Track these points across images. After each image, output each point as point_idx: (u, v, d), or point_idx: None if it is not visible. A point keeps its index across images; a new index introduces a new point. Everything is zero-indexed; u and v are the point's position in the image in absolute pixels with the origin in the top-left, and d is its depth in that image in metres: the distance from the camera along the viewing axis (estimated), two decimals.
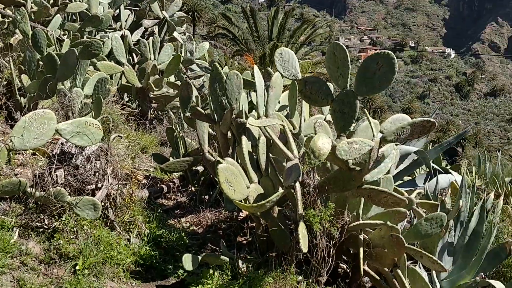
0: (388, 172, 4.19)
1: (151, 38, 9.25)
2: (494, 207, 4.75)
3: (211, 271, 3.77)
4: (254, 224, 4.51)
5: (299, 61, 5.63)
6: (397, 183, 5.86)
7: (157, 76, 8.83)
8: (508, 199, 6.74)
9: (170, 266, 4.18)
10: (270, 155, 4.18)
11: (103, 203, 4.35)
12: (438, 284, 4.28)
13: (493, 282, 3.75)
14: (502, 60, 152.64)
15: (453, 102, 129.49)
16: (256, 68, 4.76)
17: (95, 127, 4.01)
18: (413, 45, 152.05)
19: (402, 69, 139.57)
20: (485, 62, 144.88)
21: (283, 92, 5.26)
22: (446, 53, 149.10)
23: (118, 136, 5.38)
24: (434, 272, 4.25)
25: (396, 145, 5.86)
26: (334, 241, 3.70)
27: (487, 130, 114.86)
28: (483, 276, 3.83)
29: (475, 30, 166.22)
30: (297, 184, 3.61)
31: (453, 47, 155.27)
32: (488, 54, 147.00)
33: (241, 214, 5.05)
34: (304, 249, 3.35)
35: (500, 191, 7.12)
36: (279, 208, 4.13)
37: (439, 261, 3.49)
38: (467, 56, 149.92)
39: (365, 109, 4.11)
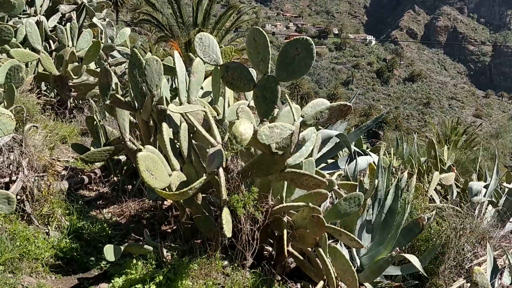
0: (310, 155, 4.30)
1: (68, 24, 8.84)
2: (408, 185, 5.01)
3: (134, 261, 3.71)
4: (178, 212, 4.48)
5: (221, 47, 5.61)
6: (321, 166, 6.04)
7: (76, 64, 8.46)
8: (422, 177, 7.13)
9: (93, 258, 4.07)
10: (194, 142, 4.16)
11: (18, 196, 4.16)
12: (358, 260, 4.47)
13: (407, 255, 3.97)
14: (419, 46, 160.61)
15: (375, 87, 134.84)
16: (176, 53, 4.69)
17: (7, 117, 3.81)
18: (336, 32, 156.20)
19: (327, 56, 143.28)
20: (403, 48, 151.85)
21: (207, 78, 5.24)
22: (368, 40, 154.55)
23: (34, 126, 5.12)
24: (354, 249, 4.44)
25: (319, 129, 6.05)
26: (258, 225, 3.75)
27: (406, 113, 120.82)
28: (399, 250, 4.04)
29: (394, 18, 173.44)
30: (221, 170, 3.62)
31: (374, 34, 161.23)
32: (406, 41, 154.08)
33: (165, 202, 5.00)
34: (228, 234, 3.37)
35: (415, 170, 7.52)
36: (203, 195, 4.13)
37: (356, 238, 3.63)
38: (387, 43, 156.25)
39: (286, 94, 4.16)
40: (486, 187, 6.36)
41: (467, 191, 6.45)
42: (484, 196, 6.11)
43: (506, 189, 6.14)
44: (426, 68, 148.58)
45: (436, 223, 5.03)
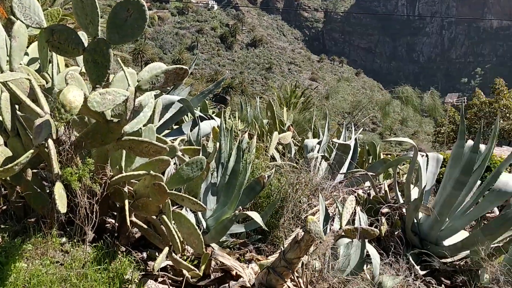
0: (150, 122, 4.20)
1: None
2: (249, 146, 5.19)
3: None
4: (7, 191, 4.08)
5: (46, 8, 5.13)
6: (165, 132, 5.97)
7: None
8: (264, 138, 7.47)
9: None
10: (20, 113, 3.78)
11: None
12: (204, 223, 4.55)
13: (250, 213, 4.14)
14: (259, 12, 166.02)
15: (220, 53, 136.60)
16: None
17: None
18: None
19: (170, 21, 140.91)
20: (244, 14, 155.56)
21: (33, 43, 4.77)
22: (210, 5, 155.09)
23: None
24: (200, 212, 4.50)
25: (161, 94, 5.93)
26: (97, 198, 3.58)
27: (250, 78, 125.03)
28: (242, 209, 4.18)
29: None
30: (50, 142, 3.34)
31: None
32: (247, 6, 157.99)
33: None
34: (62, 209, 3.15)
35: (258, 131, 7.84)
36: (34, 170, 3.80)
37: (199, 202, 3.66)
38: (228, 8, 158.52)
39: (118, 59, 3.96)
40: (319, 143, 6.89)
41: (303, 148, 6.92)
42: (318, 151, 6.61)
43: (336, 144, 6.72)
44: (267, 33, 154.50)
45: (277, 180, 5.32)
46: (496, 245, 5.08)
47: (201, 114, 6.79)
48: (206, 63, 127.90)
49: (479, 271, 4.86)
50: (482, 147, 5.30)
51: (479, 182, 5.42)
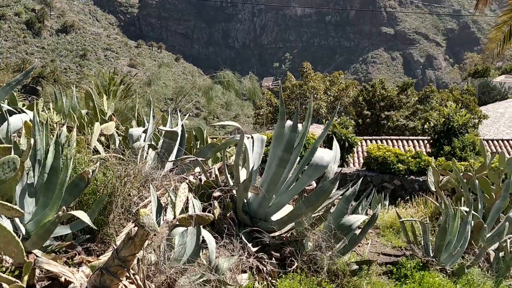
0: None
1: None
2: (69, 140, 4.80)
3: None
4: None
5: None
6: None
7: None
8: (84, 130, 7.01)
9: None
10: None
11: None
12: (23, 228, 4.10)
13: (75, 212, 3.84)
14: None
15: (26, 40, 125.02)
16: None
17: None
18: None
19: None
20: None
21: None
22: None
23: None
24: (17, 218, 4.04)
25: None
26: None
27: (63, 66, 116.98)
28: (65, 209, 3.85)
29: None
30: None
31: None
32: None
33: None
34: None
35: (77, 123, 7.33)
36: None
37: (14, 207, 3.26)
38: None
39: None
40: (145, 132, 6.71)
41: (128, 138, 6.66)
42: (144, 140, 6.43)
43: (163, 132, 6.62)
44: (79, 19, 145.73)
45: (103, 174, 5.02)
46: (316, 214, 5.55)
47: (10, 108, 6.13)
48: (12, 51, 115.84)
49: (304, 240, 5.26)
50: (300, 126, 5.70)
51: (298, 158, 5.83)
